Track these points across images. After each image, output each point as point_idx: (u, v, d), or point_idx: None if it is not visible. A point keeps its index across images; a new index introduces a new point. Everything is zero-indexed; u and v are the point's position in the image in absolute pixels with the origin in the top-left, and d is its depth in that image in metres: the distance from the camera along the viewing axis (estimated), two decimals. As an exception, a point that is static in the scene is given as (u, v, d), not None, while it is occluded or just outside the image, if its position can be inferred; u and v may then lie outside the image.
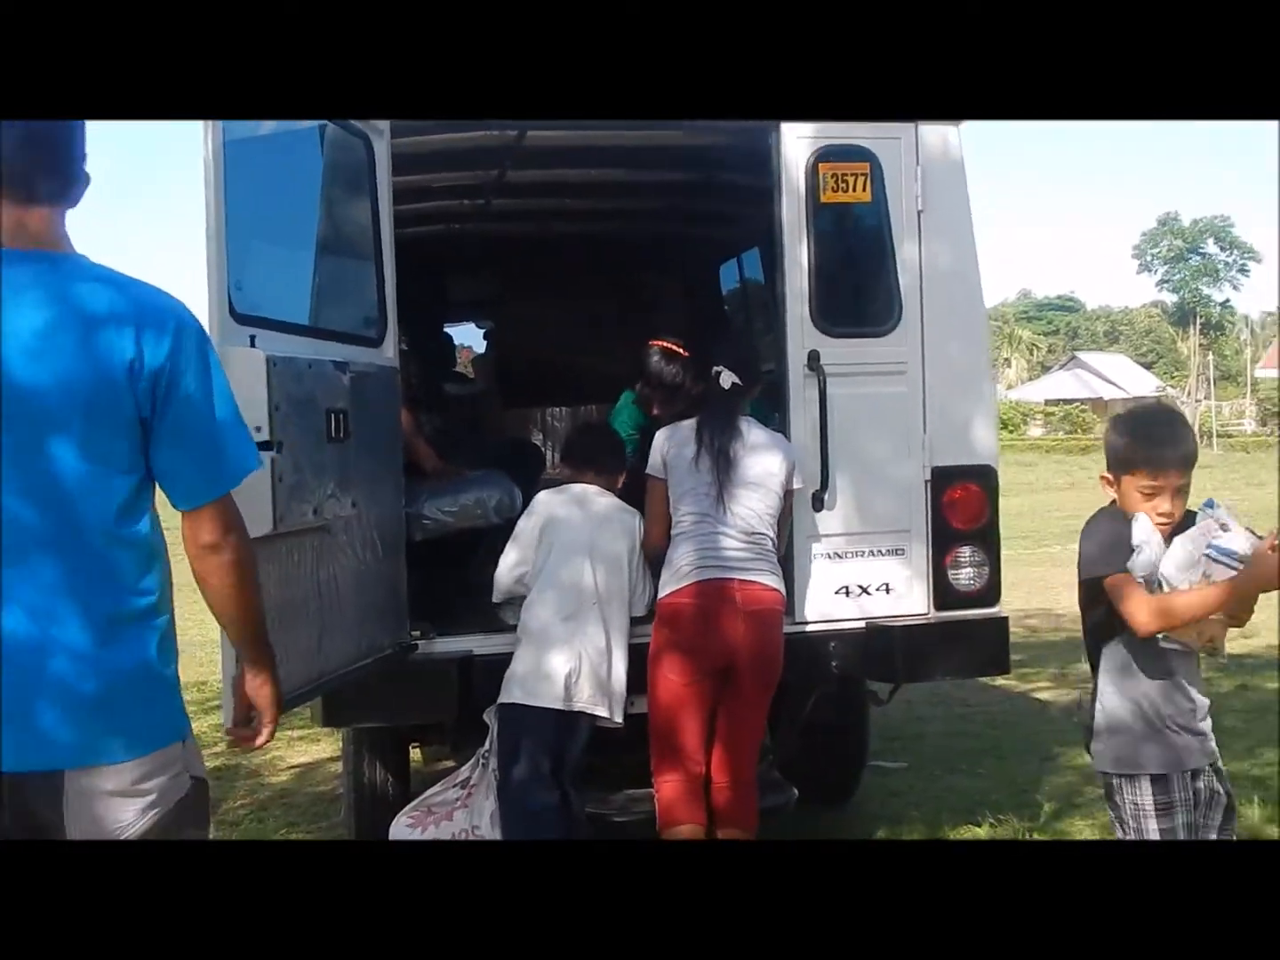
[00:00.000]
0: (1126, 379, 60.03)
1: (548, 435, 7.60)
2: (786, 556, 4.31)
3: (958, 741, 6.78)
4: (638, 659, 4.21)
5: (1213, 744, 3.15)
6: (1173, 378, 58.04)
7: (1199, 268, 70.78)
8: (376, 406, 3.88)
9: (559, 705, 4.06)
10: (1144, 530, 3.03)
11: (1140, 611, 2.99)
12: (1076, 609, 8.02)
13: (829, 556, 4.38)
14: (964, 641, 4.46)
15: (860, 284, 4.57)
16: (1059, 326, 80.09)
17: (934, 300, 4.39)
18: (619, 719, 4.19)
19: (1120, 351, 70.25)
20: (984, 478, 4.45)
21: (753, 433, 4.22)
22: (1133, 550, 3.03)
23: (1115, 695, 3.14)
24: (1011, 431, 46.00)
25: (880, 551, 4.41)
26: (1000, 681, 7.93)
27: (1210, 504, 3.07)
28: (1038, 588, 12.28)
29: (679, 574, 4.10)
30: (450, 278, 6.96)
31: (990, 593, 4.47)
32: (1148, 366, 66.36)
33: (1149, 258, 72.68)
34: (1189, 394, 48.77)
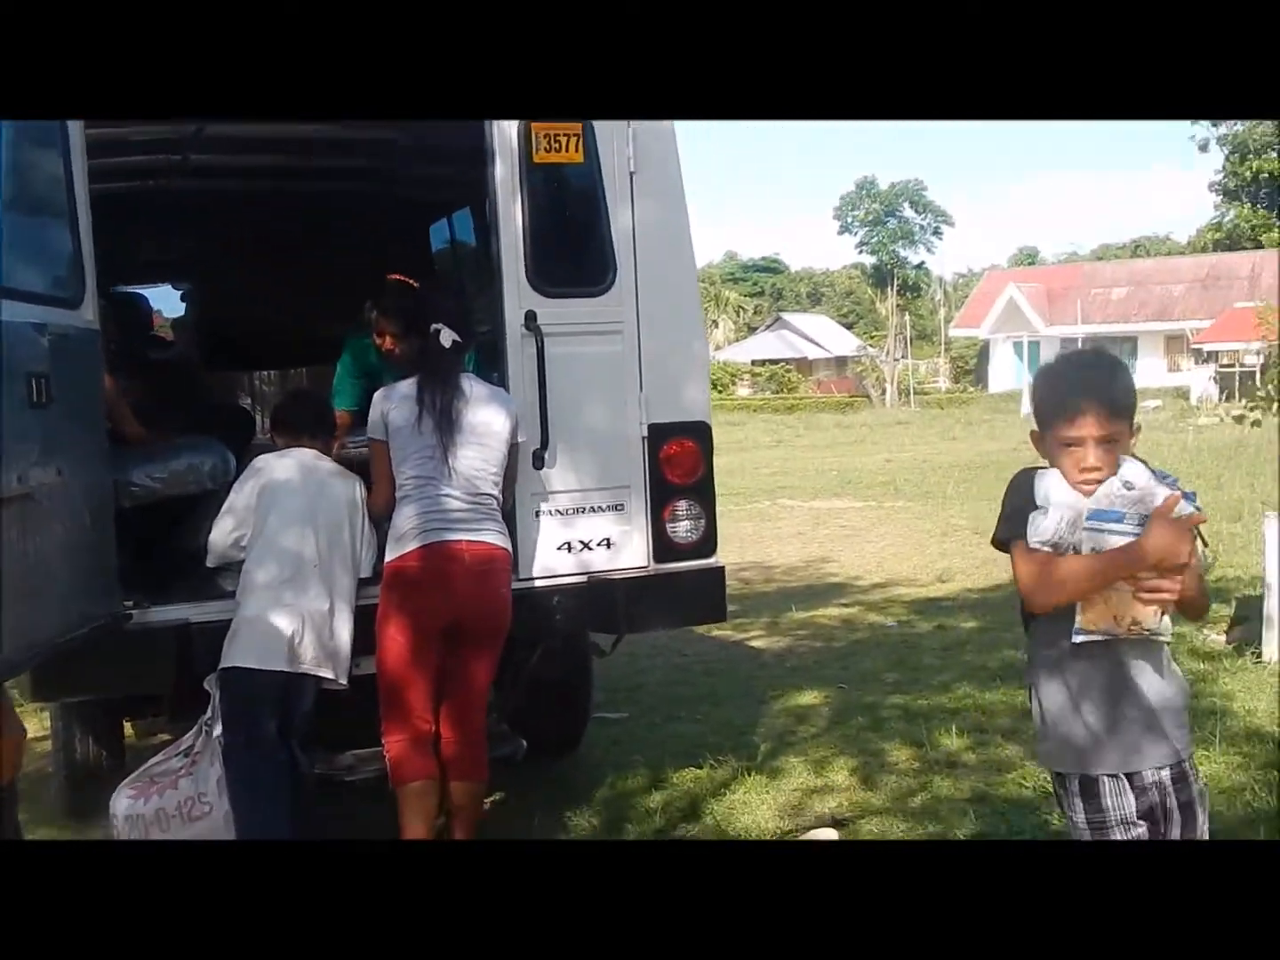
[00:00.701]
0: (829, 339, 62.58)
1: (257, 400, 7.39)
2: (510, 514, 4.36)
3: (677, 690, 7.01)
4: (365, 621, 4.19)
5: (1177, 744, 2.70)
6: (872, 337, 60.69)
7: (895, 230, 74.21)
8: (78, 370, 3.70)
9: (283, 668, 4.03)
10: (1049, 489, 2.66)
11: (1022, 583, 2.67)
12: (787, 561, 8.50)
13: (551, 514, 4.46)
14: (683, 592, 4.61)
15: (574, 244, 4.62)
16: (764, 288, 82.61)
17: (647, 260, 4.50)
18: (344, 680, 4.18)
19: (823, 312, 73.00)
20: (699, 433, 4.61)
21: (474, 389, 4.24)
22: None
23: (1051, 686, 2.74)
24: (720, 391, 47.27)
25: (601, 507, 4.51)
26: (716, 632, 8.25)
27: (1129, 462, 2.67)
28: (749, 541, 12.76)
29: (405, 537, 4.10)
30: (147, 236, 6.64)
31: (707, 544, 4.64)
32: (849, 326, 69.21)
33: (849, 220, 75.74)
34: (888, 353, 51.09)
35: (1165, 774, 2.69)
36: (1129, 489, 2.58)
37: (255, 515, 4.16)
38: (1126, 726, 2.67)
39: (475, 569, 4.10)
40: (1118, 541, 2.55)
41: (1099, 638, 2.61)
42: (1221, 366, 37.65)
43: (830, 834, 4.54)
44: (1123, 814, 2.65)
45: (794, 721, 6.18)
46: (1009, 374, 48.82)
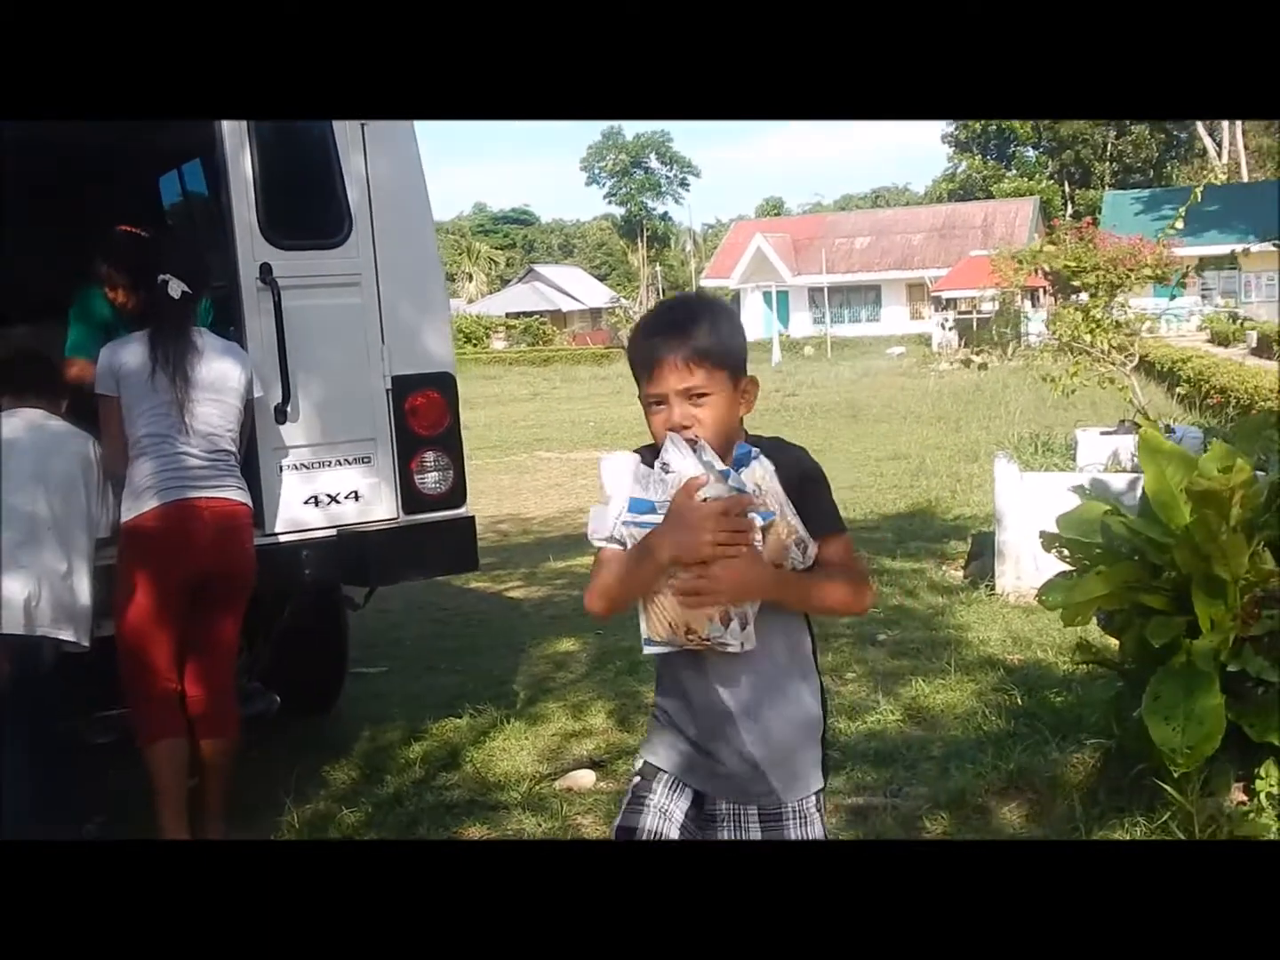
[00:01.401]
0: (582, 291, 62.92)
1: None
2: (253, 469, 4.30)
3: (436, 643, 7.05)
4: (108, 581, 4.10)
5: (777, 786, 2.27)
6: (625, 288, 61.43)
7: (643, 181, 75.04)
8: None
9: (19, 630, 3.91)
10: (610, 474, 2.30)
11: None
12: (544, 512, 8.60)
13: (296, 468, 4.42)
14: (434, 542, 4.64)
15: (308, 196, 4.55)
16: (516, 240, 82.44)
17: (383, 212, 4.48)
18: (85, 642, 4.08)
19: (575, 264, 73.37)
20: (442, 384, 4.63)
21: (208, 342, 4.16)
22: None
23: (661, 697, 2.38)
24: (475, 345, 47.06)
25: (347, 460, 4.49)
26: (475, 584, 8.30)
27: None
28: (507, 494, 12.85)
29: (142, 495, 4.00)
30: None
31: (456, 494, 4.67)
32: (602, 278, 69.79)
33: (596, 171, 76.17)
34: (641, 304, 51.86)
35: (752, 811, 2.28)
36: (666, 472, 2.19)
37: None
38: (714, 754, 2.26)
39: (216, 526, 4.04)
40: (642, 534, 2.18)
41: (665, 649, 2.23)
42: (959, 313, 39.58)
43: (588, 775, 4.67)
44: (663, 804, 2.30)
45: (553, 668, 6.30)
46: (759, 323, 50.09)
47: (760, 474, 2.21)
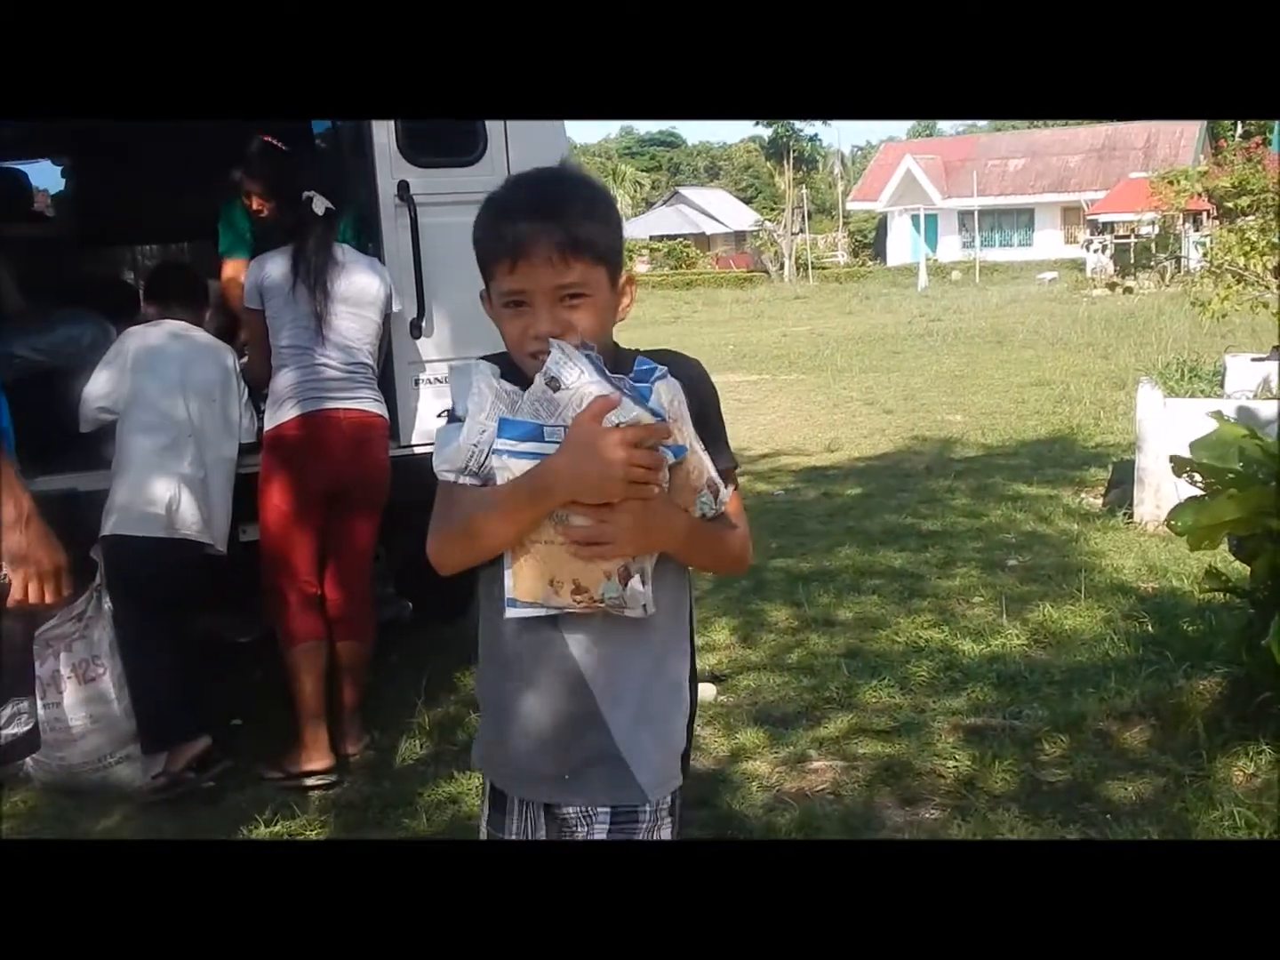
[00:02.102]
0: (727, 213, 62.35)
1: (139, 274, 7.29)
2: (389, 382, 4.42)
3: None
4: (250, 488, 4.27)
5: (642, 781, 1.84)
6: (771, 211, 60.60)
7: (790, 103, 73.45)
8: None
9: (161, 533, 4.10)
10: (461, 391, 1.87)
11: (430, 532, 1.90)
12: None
13: (430, 382, 4.52)
14: None
15: (445, 116, 4.63)
16: (661, 162, 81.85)
17: (517, 131, 4.51)
18: (223, 547, 4.26)
19: (720, 187, 72.66)
20: None
21: (349, 258, 4.28)
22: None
23: (488, 674, 1.93)
24: (620, 267, 46.96)
25: None
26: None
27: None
28: (644, 414, 12.90)
29: (283, 404, 4.16)
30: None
31: None
32: (747, 201, 68.99)
33: (744, 93, 74.68)
34: (786, 227, 51.12)
35: (604, 811, 1.86)
36: (554, 389, 1.71)
37: (128, 383, 4.18)
38: (569, 748, 1.83)
39: (352, 435, 4.19)
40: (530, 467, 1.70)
41: (538, 612, 1.75)
42: (1116, 237, 38.25)
43: (710, 689, 4.74)
44: (526, 840, 1.92)
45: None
46: (906, 247, 49.17)
47: (668, 397, 1.74)
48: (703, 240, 58.06)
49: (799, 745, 4.20)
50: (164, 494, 4.10)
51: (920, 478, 8.78)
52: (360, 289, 4.25)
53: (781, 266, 47.56)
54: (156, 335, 4.29)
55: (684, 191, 65.95)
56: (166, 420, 4.17)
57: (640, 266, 50.73)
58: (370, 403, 4.25)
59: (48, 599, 2.50)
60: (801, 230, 52.71)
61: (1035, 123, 63.91)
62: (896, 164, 51.19)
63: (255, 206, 4.73)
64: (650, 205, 65.55)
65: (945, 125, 75.30)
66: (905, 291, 34.94)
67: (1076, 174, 48.15)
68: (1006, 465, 8.88)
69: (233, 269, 4.65)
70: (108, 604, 4.08)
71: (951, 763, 3.97)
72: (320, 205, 4.25)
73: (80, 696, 4.02)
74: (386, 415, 4.32)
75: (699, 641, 5.23)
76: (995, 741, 4.07)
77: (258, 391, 4.38)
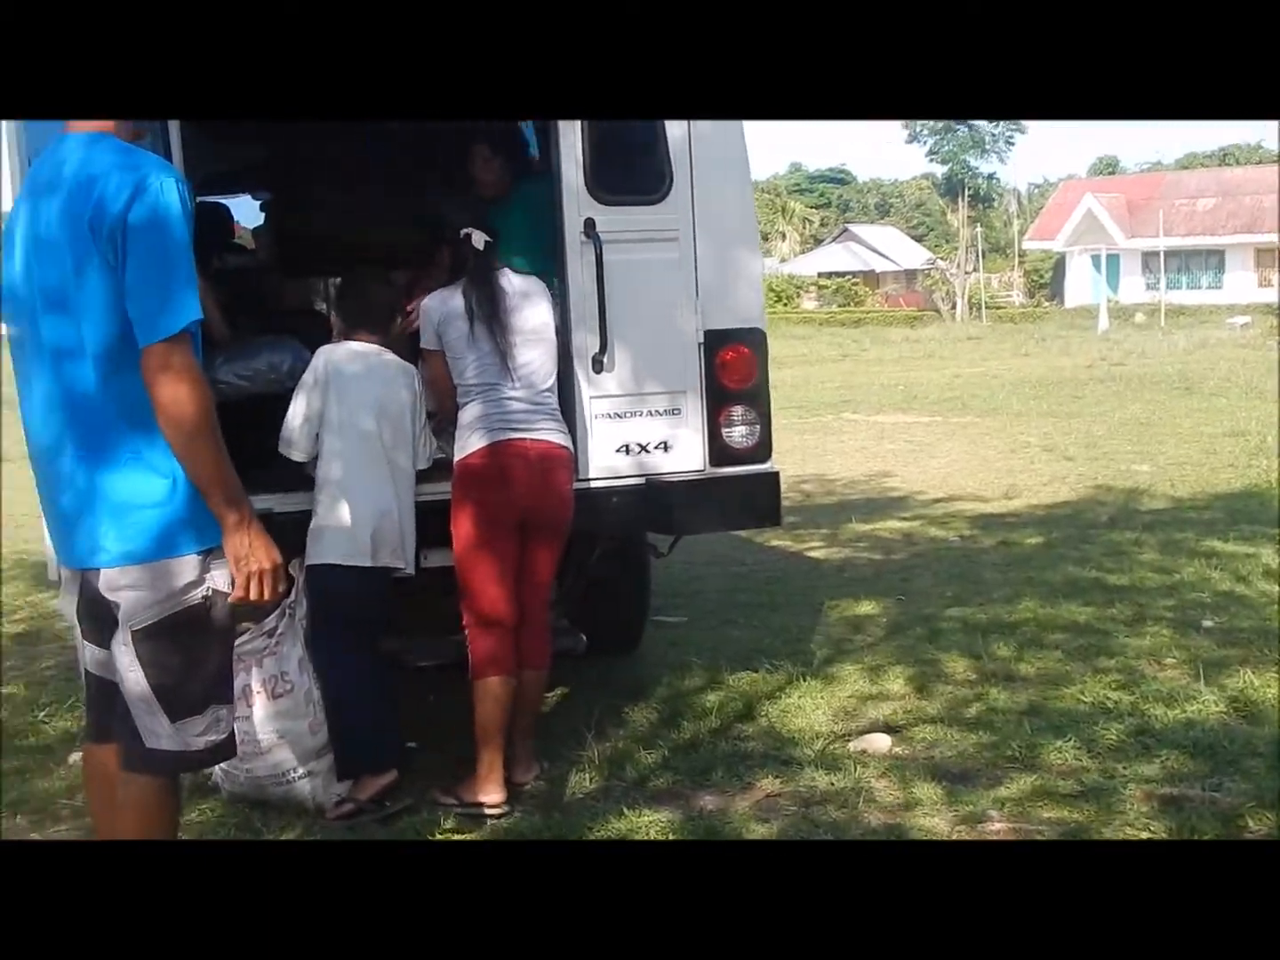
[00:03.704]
0: (898, 251, 61.66)
1: (330, 305, 7.49)
2: (570, 415, 4.43)
3: (735, 596, 7.09)
4: (426, 515, 4.33)
5: None
6: (943, 249, 59.81)
7: (966, 139, 72.60)
8: None
9: (365, 562, 4.19)
10: None
11: None
12: (849, 474, 8.53)
13: (609, 416, 4.53)
14: (738, 495, 4.68)
15: (631, 153, 4.63)
16: (830, 199, 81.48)
17: (702, 168, 4.52)
18: (412, 569, 4.33)
19: (891, 224, 71.88)
20: (753, 340, 4.64)
21: (514, 284, 4.32)
22: None
23: None
24: (786, 304, 46.93)
25: (658, 411, 4.57)
26: (775, 541, 8.32)
27: None
28: (811, 454, 12.78)
29: (469, 438, 4.20)
30: (228, 148, 6.73)
31: (762, 450, 4.69)
32: (919, 239, 68.19)
33: (918, 129, 74.16)
34: (959, 266, 50.24)
35: None
36: None
37: (323, 406, 4.26)
38: None
39: (537, 466, 4.21)
40: None
41: None
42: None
43: (884, 740, 4.62)
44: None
45: (850, 630, 6.25)
46: (1086, 288, 47.95)
47: None
48: (872, 278, 57.50)
49: (978, 804, 4.04)
50: (365, 521, 4.19)
51: (1104, 529, 8.45)
52: (535, 318, 4.29)
53: (954, 306, 46.76)
54: (346, 357, 4.37)
55: (854, 228, 65.49)
56: (363, 444, 4.25)
57: (808, 303, 50.51)
58: (555, 434, 4.27)
59: (266, 596, 2.69)
60: (975, 269, 51.77)
61: (1226, 160, 61.80)
62: (1076, 202, 50.04)
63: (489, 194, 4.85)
64: (819, 242, 65.26)
65: (1128, 163, 73.41)
66: (1084, 334, 33.98)
67: (1272, 214, 46.27)
68: (1198, 520, 8.50)
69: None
70: (300, 621, 4.16)
71: (1145, 834, 3.76)
72: (479, 240, 4.29)
73: (269, 711, 4.11)
74: (571, 447, 4.34)
75: (872, 689, 5.16)
76: (1193, 814, 3.85)
77: (434, 424, 4.45)
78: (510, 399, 4.21)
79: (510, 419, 4.20)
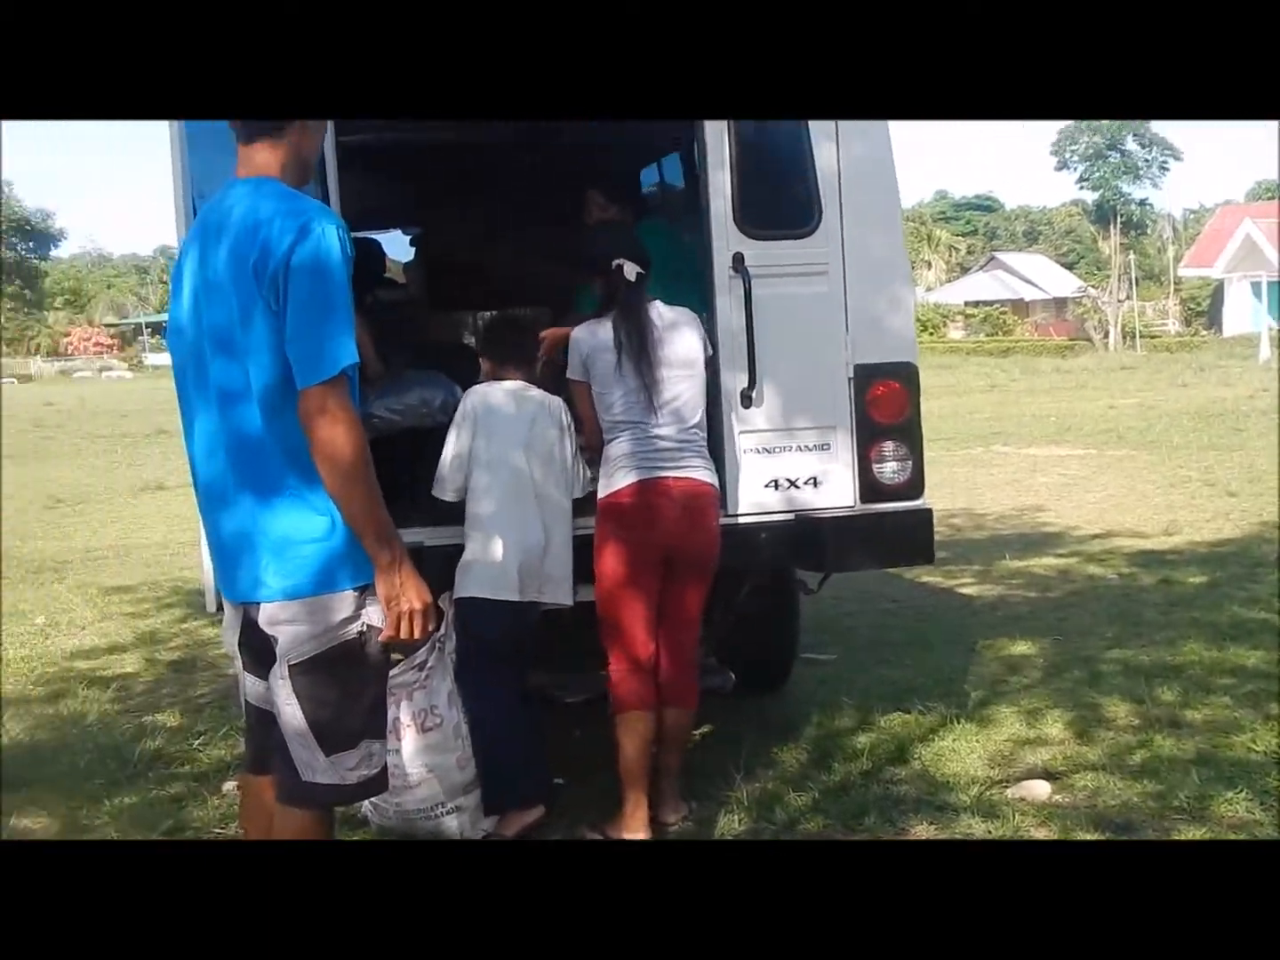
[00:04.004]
0: (1047, 279, 60.45)
1: (478, 342, 7.61)
2: (718, 450, 4.41)
3: (886, 634, 6.97)
4: (580, 550, 4.34)
5: None
6: (1094, 277, 58.50)
7: (1119, 165, 70.92)
8: None
9: (512, 597, 4.22)
10: None
11: None
12: (1001, 510, 8.35)
13: (758, 451, 4.49)
14: (890, 532, 4.59)
15: (780, 188, 4.61)
16: (977, 227, 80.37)
17: (852, 202, 4.47)
18: (568, 600, 4.35)
19: (1040, 251, 70.60)
20: (905, 374, 4.56)
21: (664, 316, 4.28)
22: None
23: None
24: (931, 333, 46.33)
25: (807, 446, 4.52)
26: (926, 578, 8.16)
27: None
28: (961, 487, 12.55)
29: (616, 473, 4.20)
30: (380, 185, 6.91)
31: (914, 486, 4.60)
32: (1069, 266, 66.79)
33: (1068, 155, 72.68)
34: (1111, 294, 49.06)
35: None
36: None
37: (473, 446, 4.31)
38: None
39: (684, 504, 4.17)
40: None
41: None
42: None
43: (1044, 786, 4.48)
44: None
45: (1006, 671, 6.09)
46: (1245, 316, 46.34)
47: None
48: (1021, 307, 56.49)
49: (1145, 857, 3.87)
50: (515, 559, 4.22)
51: (1271, 568, 8.10)
52: (684, 350, 4.24)
53: (1106, 335, 45.63)
54: (493, 396, 4.41)
55: (1001, 256, 64.47)
56: (514, 482, 4.28)
57: (954, 332, 49.80)
58: (702, 471, 4.24)
59: (416, 635, 2.71)
60: (1128, 297, 50.51)
61: (1395, 183, 59.28)
62: (1234, 228, 48.49)
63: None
64: (966, 271, 64.38)
65: (1290, 187, 70.76)
66: (1244, 363, 32.82)
67: None
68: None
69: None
70: (449, 655, 4.20)
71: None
72: (631, 271, 4.26)
73: (418, 745, 4.14)
74: (716, 484, 4.30)
75: (1030, 733, 4.99)
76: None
77: (584, 455, 4.46)
78: (657, 435, 4.18)
79: (657, 456, 4.18)
